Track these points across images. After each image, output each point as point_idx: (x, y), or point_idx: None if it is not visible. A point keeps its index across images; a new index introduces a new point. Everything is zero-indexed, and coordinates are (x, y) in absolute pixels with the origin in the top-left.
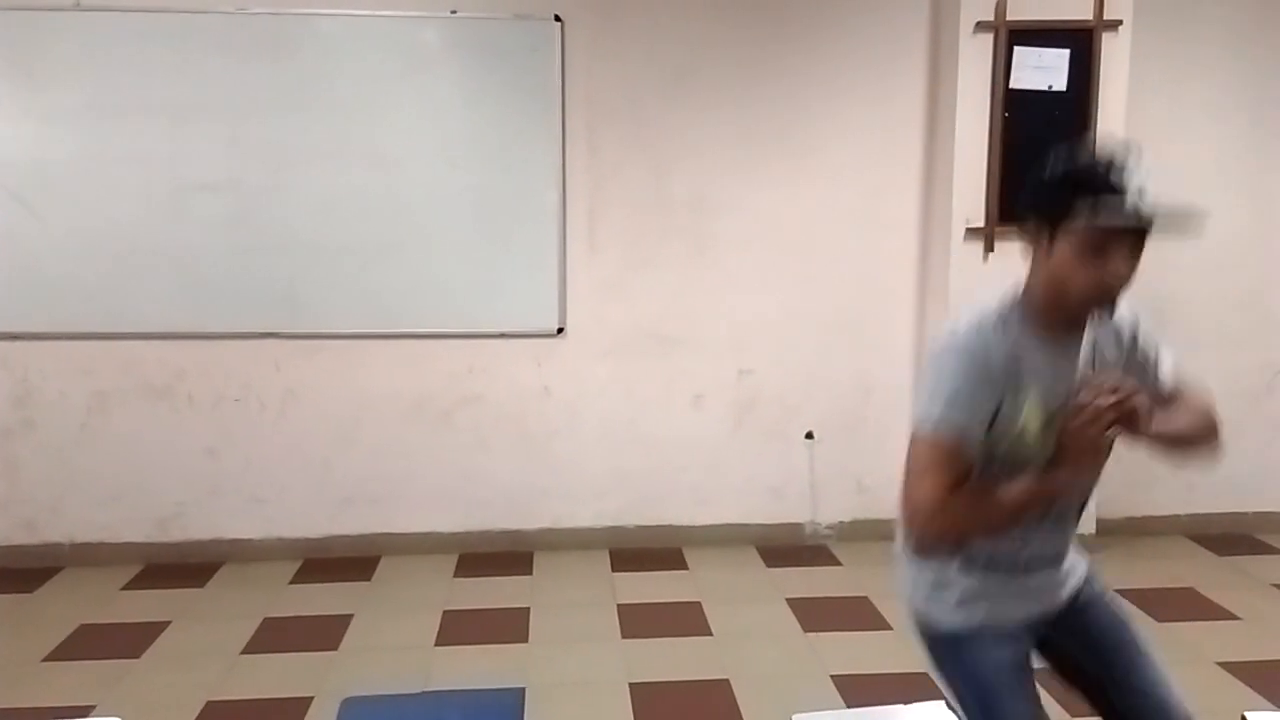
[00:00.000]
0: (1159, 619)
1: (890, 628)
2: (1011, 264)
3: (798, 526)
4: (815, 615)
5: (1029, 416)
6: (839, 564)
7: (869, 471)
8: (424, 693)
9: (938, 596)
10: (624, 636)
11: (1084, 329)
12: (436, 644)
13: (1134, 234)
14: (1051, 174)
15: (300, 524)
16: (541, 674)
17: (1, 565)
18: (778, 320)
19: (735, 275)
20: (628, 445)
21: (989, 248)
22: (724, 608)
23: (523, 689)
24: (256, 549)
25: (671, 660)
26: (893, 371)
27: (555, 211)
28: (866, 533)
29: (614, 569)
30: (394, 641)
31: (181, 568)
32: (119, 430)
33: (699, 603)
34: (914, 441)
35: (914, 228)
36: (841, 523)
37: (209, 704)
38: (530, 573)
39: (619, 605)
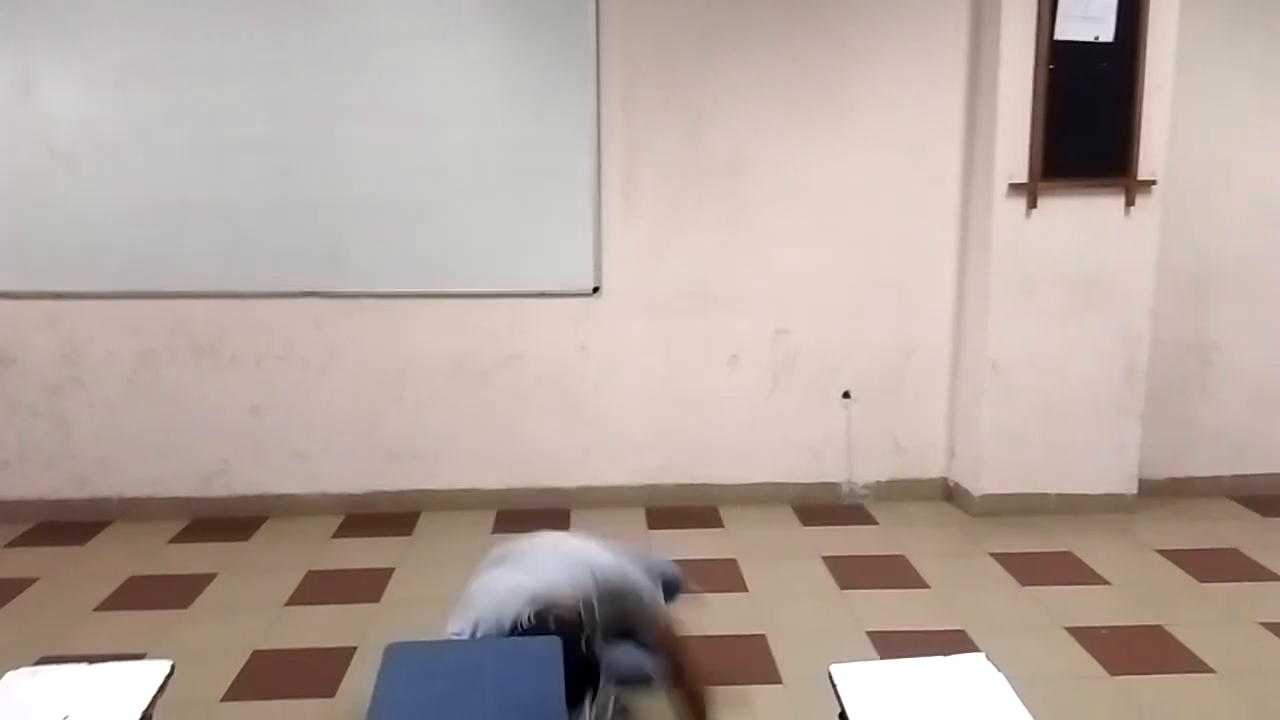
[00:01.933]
0: (1201, 579)
1: (927, 586)
2: (1056, 220)
3: (834, 486)
4: (851, 573)
5: None
6: (875, 523)
7: (907, 432)
8: (466, 639)
9: None
10: None
11: None
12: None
13: None
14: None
15: (343, 480)
16: None
17: (53, 519)
18: (815, 279)
19: (773, 234)
20: (665, 404)
21: (1032, 204)
22: (760, 565)
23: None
24: (300, 504)
25: (708, 615)
26: (932, 331)
27: (591, 170)
28: (903, 492)
29: (650, 526)
30: (434, 594)
31: (227, 522)
32: (165, 388)
33: (735, 559)
34: None
35: (955, 184)
36: (878, 482)
37: (255, 653)
38: (568, 528)
39: None
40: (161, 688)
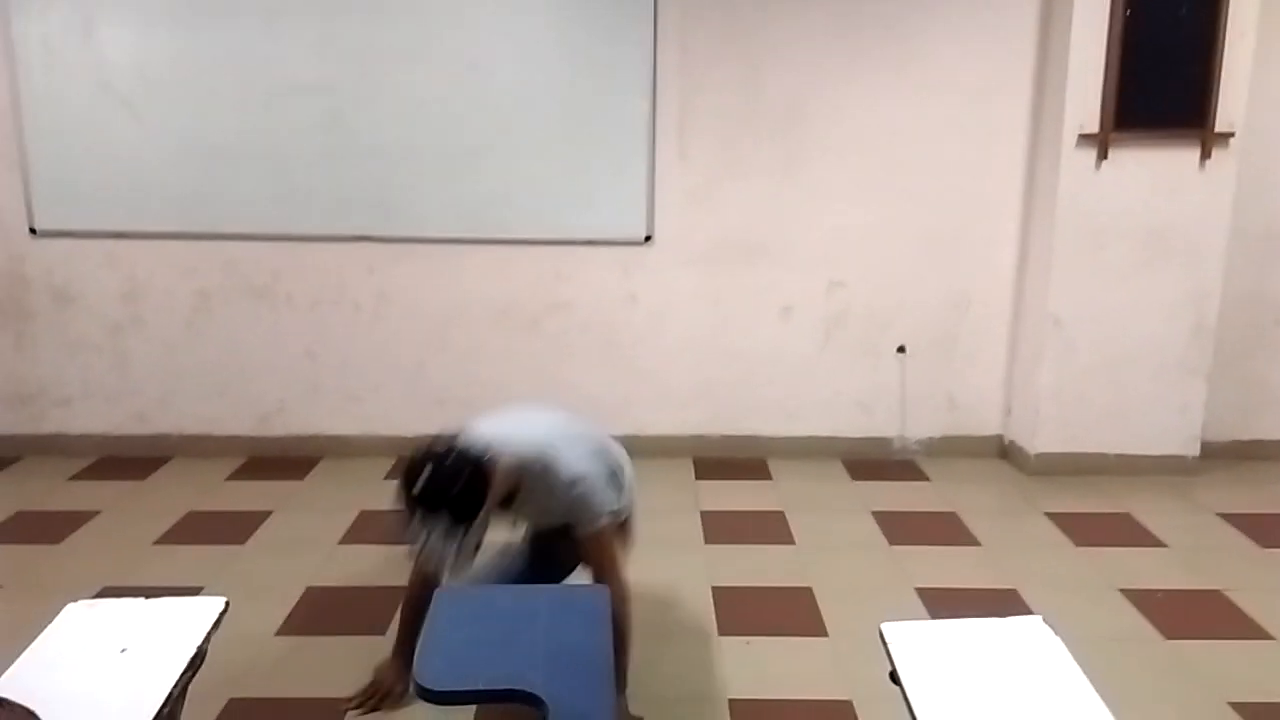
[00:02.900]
0: (1263, 545)
1: (979, 544)
2: (1126, 173)
3: (885, 441)
4: (901, 529)
5: None
6: (927, 479)
7: (961, 387)
8: (515, 586)
9: None
10: (707, 542)
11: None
12: (524, 540)
13: None
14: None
15: (394, 423)
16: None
17: (115, 454)
18: (872, 232)
19: (829, 184)
20: (714, 356)
21: (1102, 155)
22: (808, 518)
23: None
24: (353, 445)
25: (754, 566)
26: (991, 287)
27: (644, 116)
28: (957, 449)
29: (698, 476)
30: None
31: (282, 461)
32: (222, 328)
33: (782, 512)
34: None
35: (1022, 134)
36: (931, 438)
37: (309, 589)
38: None
39: (702, 512)
40: (216, 623)
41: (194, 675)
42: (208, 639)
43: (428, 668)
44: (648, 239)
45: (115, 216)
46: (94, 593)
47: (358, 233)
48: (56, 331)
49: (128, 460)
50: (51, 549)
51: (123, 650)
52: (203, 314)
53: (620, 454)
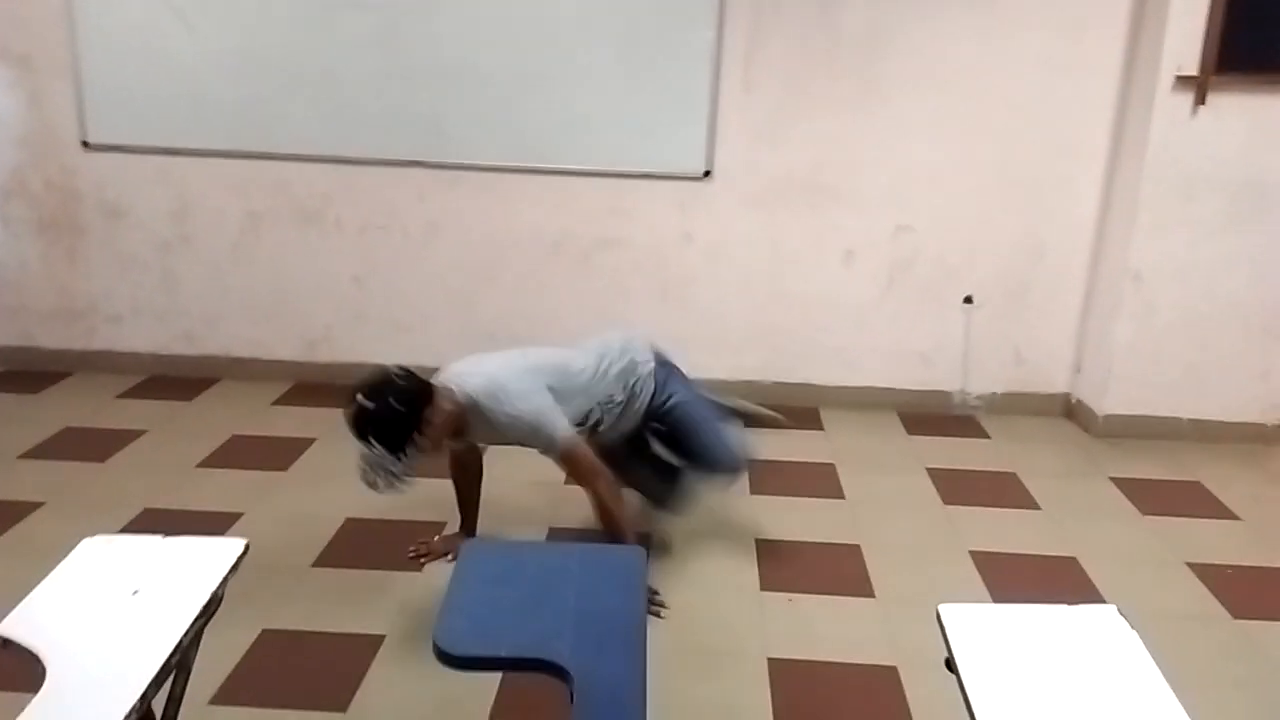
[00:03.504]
0: None
1: (1038, 507)
2: (1225, 120)
3: (945, 395)
4: (957, 488)
5: None
6: (987, 437)
7: (1029, 342)
8: (545, 543)
9: None
10: (752, 493)
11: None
12: (566, 482)
13: None
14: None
15: (442, 355)
16: (667, 525)
17: (163, 373)
18: (945, 173)
19: (902, 121)
20: (770, 299)
21: (1200, 99)
22: (859, 472)
23: (645, 548)
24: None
25: (800, 520)
26: (1069, 236)
27: (709, 44)
28: (1020, 406)
29: (746, 424)
30: (526, 477)
31: (328, 388)
32: (270, 251)
33: (833, 465)
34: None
35: (1114, 75)
36: (994, 394)
37: (348, 520)
38: None
39: (749, 461)
40: (234, 567)
41: (208, 620)
42: (224, 583)
43: (448, 629)
44: (706, 174)
45: (167, 131)
46: (135, 514)
47: (410, 157)
48: (107, 247)
49: (175, 380)
50: (96, 467)
51: (135, 592)
52: (251, 235)
53: (614, 359)
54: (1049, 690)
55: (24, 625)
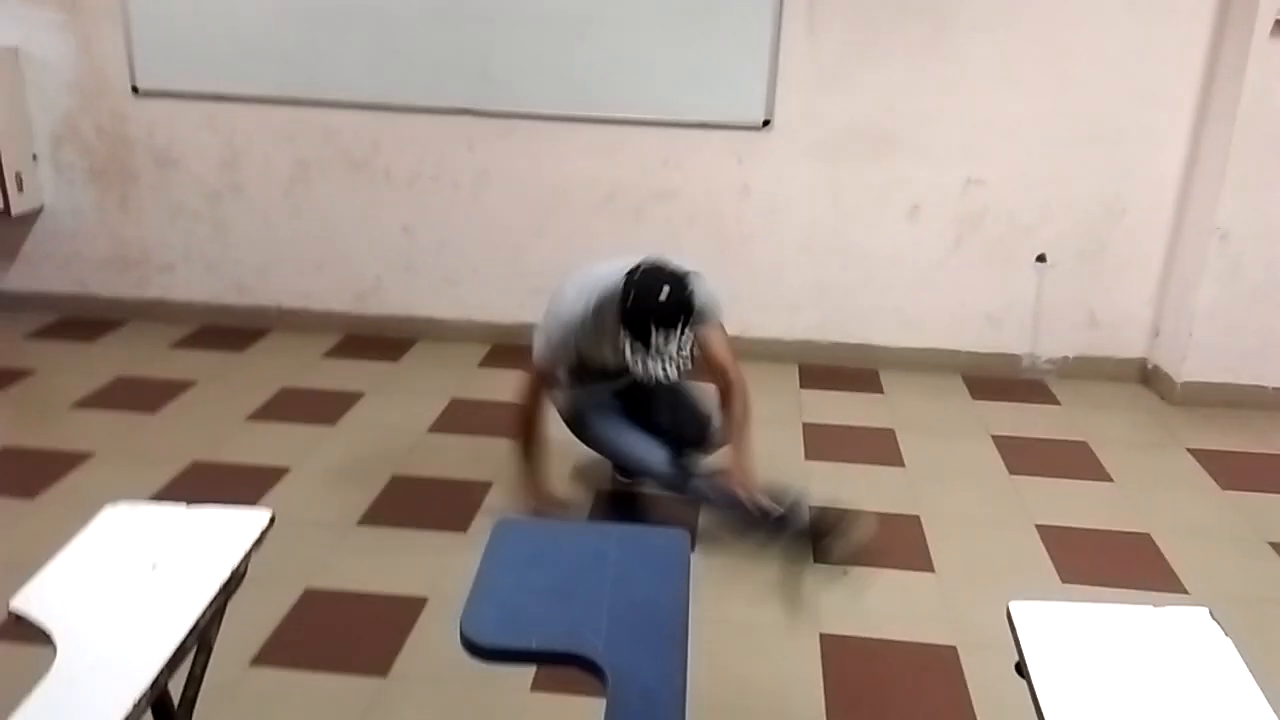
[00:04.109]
0: None
1: (1110, 479)
2: None
3: (1014, 358)
4: (1024, 456)
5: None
6: (1057, 403)
7: (1105, 304)
8: (582, 524)
9: None
10: (807, 458)
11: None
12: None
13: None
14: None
15: (491, 308)
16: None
17: (216, 323)
18: (1019, 124)
19: (975, 68)
20: (831, 255)
21: None
22: (920, 438)
23: (690, 530)
24: (448, 329)
25: (857, 488)
26: (1151, 192)
27: None
28: (1093, 371)
29: (802, 385)
30: (569, 435)
31: (378, 340)
32: (320, 200)
33: (892, 430)
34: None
35: (1205, 17)
36: (1065, 358)
37: (394, 478)
38: None
39: (804, 424)
40: (258, 541)
41: (230, 596)
42: (247, 558)
43: (476, 619)
44: (766, 124)
45: (216, 78)
46: (182, 468)
47: (459, 105)
48: (159, 195)
49: (227, 330)
50: (147, 418)
51: (154, 566)
52: (301, 184)
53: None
54: (1130, 704)
55: (36, 601)
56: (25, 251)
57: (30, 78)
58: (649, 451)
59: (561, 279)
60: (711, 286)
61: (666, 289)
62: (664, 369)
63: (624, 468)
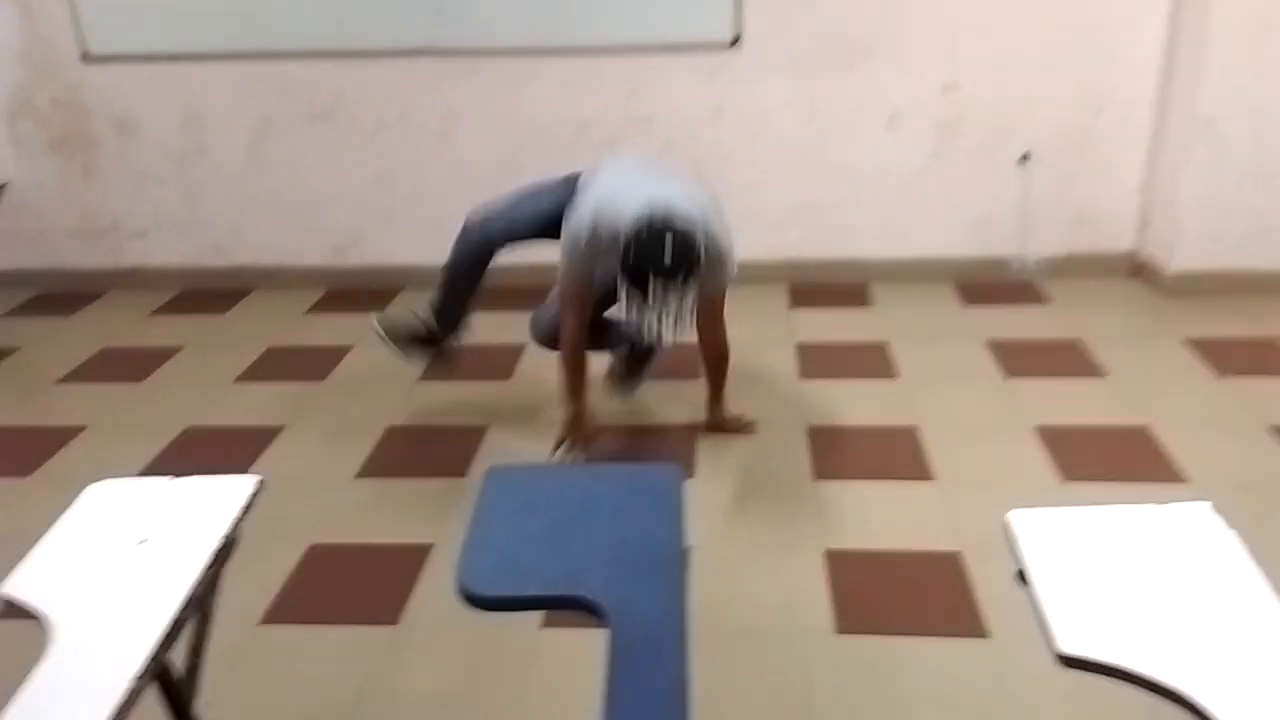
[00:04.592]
0: None
1: (1105, 374)
2: None
3: (1003, 262)
4: (1018, 359)
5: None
6: (1048, 302)
7: (1091, 199)
8: (574, 466)
9: None
10: (802, 377)
11: None
12: (607, 374)
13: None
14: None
15: None
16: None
17: (194, 287)
18: (993, 22)
19: None
20: (810, 171)
21: None
22: (914, 348)
23: (682, 467)
24: (431, 275)
25: (854, 403)
26: (1131, 83)
27: None
28: (1083, 268)
29: (791, 305)
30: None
31: (360, 292)
32: (287, 155)
33: (886, 342)
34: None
35: None
36: (1054, 257)
37: (389, 429)
38: None
39: (797, 344)
40: (248, 507)
41: (224, 563)
42: (238, 525)
43: (473, 570)
44: (735, 41)
45: (168, 37)
46: (176, 434)
47: (419, 46)
48: (122, 162)
49: (207, 293)
50: (135, 387)
51: (142, 541)
52: (266, 140)
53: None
54: (1135, 604)
55: (26, 585)
56: None
57: None
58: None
59: (581, 192)
60: (724, 228)
61: (671, 249)
62: (660, 324)
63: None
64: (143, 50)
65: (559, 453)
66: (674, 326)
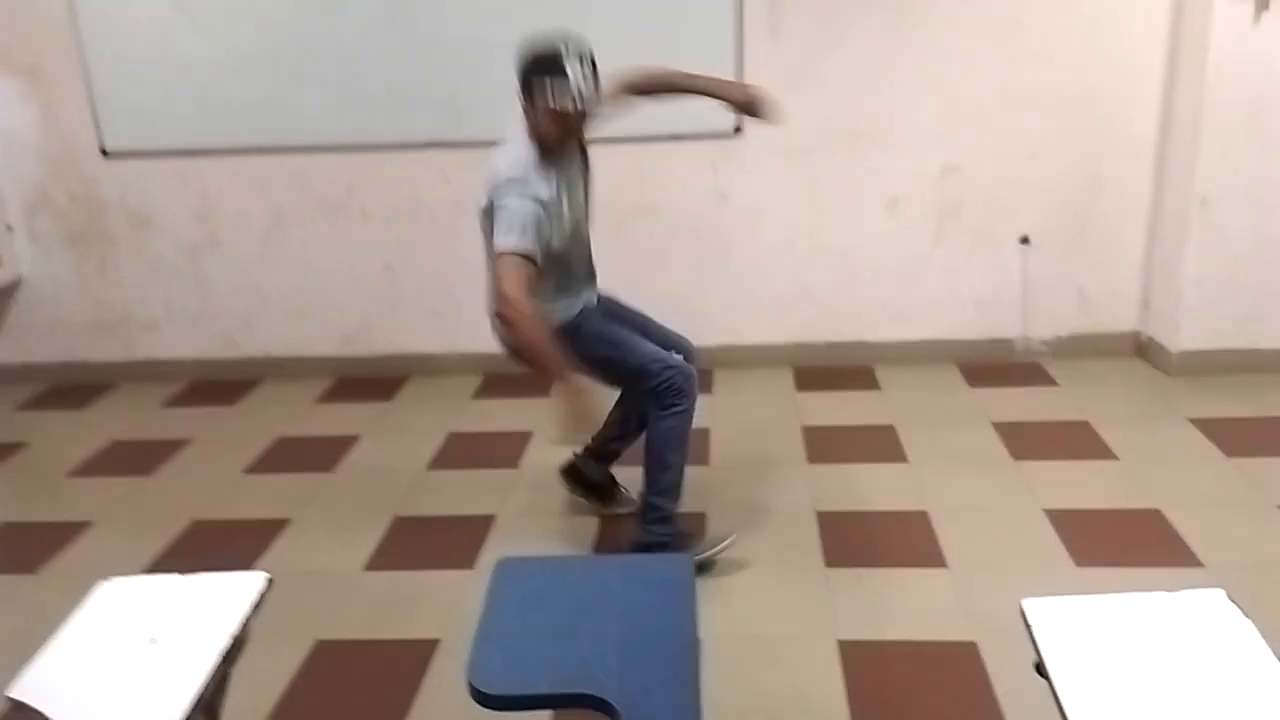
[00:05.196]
0: None
1: (1115, 457)
2: None
3: (1007, 343)
4: (1027, 441)
5: (568, 218)
6: (1054, 384)
7: (1094, 280)
8: (585, 557)
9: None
10: (810, 461)
11: (569, 154)
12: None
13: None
14: (524, 62)
15: (480, 339)
16: (722, 498)
17: (206, 377)
18: (989, 106)
19: (941, 54)
20: (814, 255)
21: (1263, 6)
22: (921, 431)
23: (692, 559)
24: (440, 363)
25: (862, 488)
26: (1129, 162)
27: None
28: (1087, 348)
29: (798, 388)
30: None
31: (370, 381)
32: (299, 247)
33: (892, 426)
34: (500, 259)
35: None
36: (1058, 338)
37: (396, 519)
38: (710, 391)
39: (804, 427)
40: (258, 604)
41: (233, 664)
42: (247, 623)
43: (483, 667)
44: (737, 130)
45: (183, 133)
46: (183, 528)
47: (429, 139)
48: (137, 255)
49: (218, 384)
50: (144, 481)
51: (152, 640)
52: (278, 232)
53: None
54: (1154, 695)
55: (33, 687)
56: (8, 324)
57: None
58: (645, 344)
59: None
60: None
61: (556, 39)
62: (586, 88)
63: (620, 372)
64: (160, 146)
65: (563, 431)
66: (595, 89)
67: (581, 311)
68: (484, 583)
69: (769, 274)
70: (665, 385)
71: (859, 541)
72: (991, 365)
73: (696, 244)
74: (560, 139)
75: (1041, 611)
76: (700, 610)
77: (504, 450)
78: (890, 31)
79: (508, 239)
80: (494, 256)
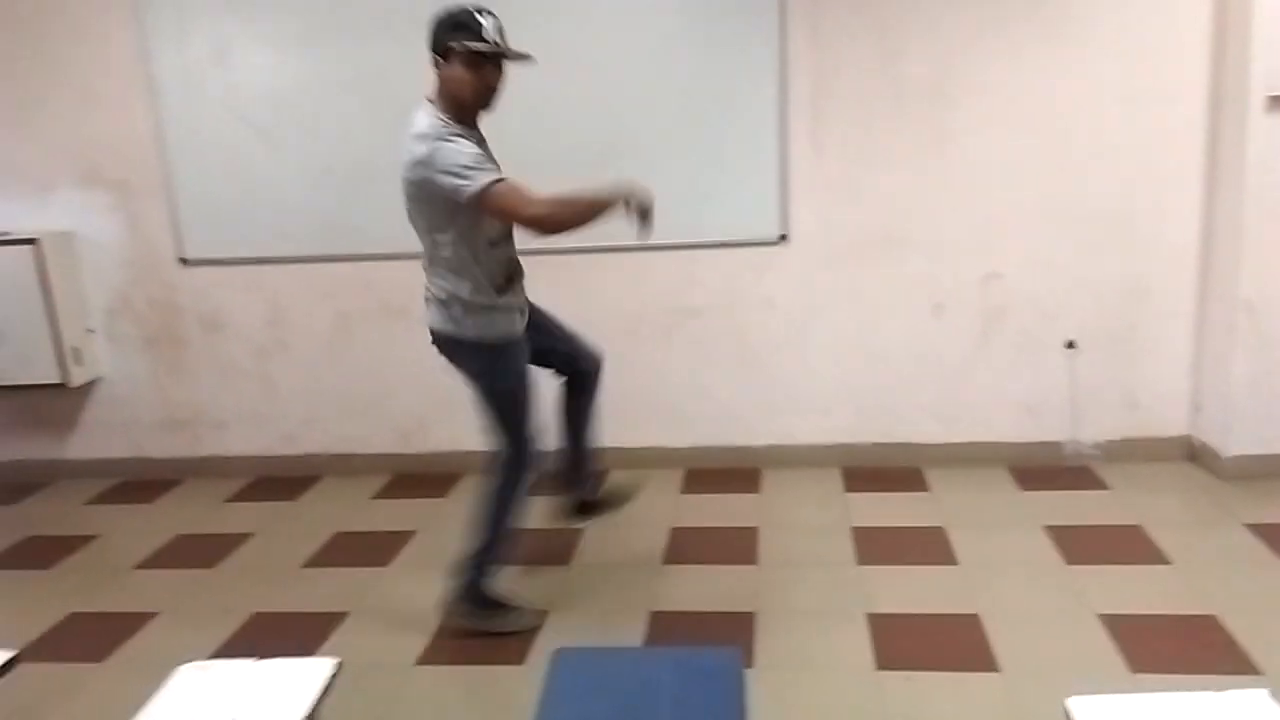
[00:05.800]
0: None
1: (1169, 562)
2: None
3: (1055, 446)
4: (1078, 545)
5: None
6: (1105, 487)
7: (1141, 383)
8: (639, 649)
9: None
10: (860, 563)
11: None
12: (664, 561)
13: (494, 59)
14: (438, 24)
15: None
16: (772, 599)
17: (267, 475)
18: (1031, 217)
19: (981, 167)
20: (860, 358)
21: None
22: (971, 534)
23: (743, 653)
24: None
25: (913, 590)
26: (1172, 270)
27: (774, 107)
28: (1138, 452)
29: (847, 489)
30: (623, 558)
31: (426, 478)
32: (361, 349)
33: (942, 528)
34: (490, 195)
35: (1199, 99)
36: (1108, 441)
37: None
38: (758, 490)
39: (853, 528)
40: (327, 689)
41: None
42: (318, 705)
43: None
44: (782, 238)
45: (256, 243)
46: (244, 619)
47: None
48: (209, 357)
49: (279, 480)
50: (207, 574)
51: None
52: (343, 335)
53: None
54: None
55: None
56: (84, 421)
57: (85, 257)
58: (535, 417)
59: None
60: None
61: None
62: (503, 37)
63: (503, 418)
64: (234, 255)
65: (641, 229)
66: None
67: (522, 333)
68: (534, 679)
69: (815, 376)
70: (523, 456)
71: (910, 644)
72: (1041, 468)
73: (744, 347)
74: (478, 91)
75: (1087, 710)
76: (750, 707)
77: (556, 547)
78: (929, 146)
79: (471, 180)
80: (444, 225)
